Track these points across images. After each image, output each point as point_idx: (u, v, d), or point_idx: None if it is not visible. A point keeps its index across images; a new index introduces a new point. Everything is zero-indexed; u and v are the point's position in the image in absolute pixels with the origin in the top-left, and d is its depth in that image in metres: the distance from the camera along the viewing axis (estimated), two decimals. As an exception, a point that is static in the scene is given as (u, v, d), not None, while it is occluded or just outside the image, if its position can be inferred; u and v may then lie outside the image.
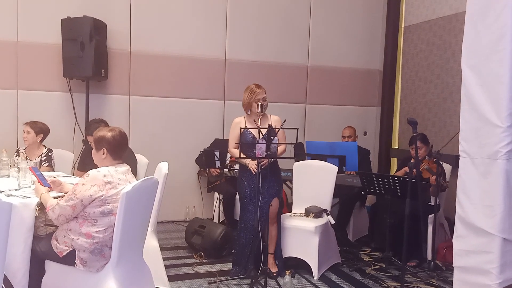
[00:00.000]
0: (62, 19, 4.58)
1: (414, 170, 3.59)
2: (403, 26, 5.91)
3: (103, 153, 2.53)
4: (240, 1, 5.49)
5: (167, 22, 5.23)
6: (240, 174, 3.71)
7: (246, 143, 3.55)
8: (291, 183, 4.27)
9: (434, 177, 3.91)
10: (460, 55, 2.89)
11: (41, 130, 4.01)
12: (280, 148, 3.61)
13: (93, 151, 2.59)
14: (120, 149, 2.57)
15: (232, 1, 5.46)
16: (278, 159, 3.64)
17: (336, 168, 3.97)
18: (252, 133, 3.56)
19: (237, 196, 4.76)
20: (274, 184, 3.61)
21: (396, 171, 4.56)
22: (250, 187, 3.56)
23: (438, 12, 5.33)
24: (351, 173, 4.48)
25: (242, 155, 3.52)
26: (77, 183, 2.46)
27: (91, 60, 4.48)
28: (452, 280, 2.95)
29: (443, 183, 3.99)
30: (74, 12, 4.60)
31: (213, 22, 5.41)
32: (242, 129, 3.56)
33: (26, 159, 3.52)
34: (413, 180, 3.52)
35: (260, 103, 3.47)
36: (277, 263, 3.68)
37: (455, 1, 5.09)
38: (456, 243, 2.89)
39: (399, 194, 3.77)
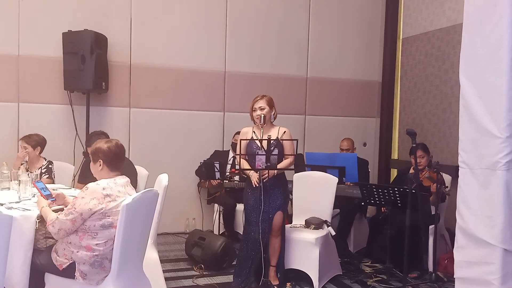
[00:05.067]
0: (63, 33, 4.62)
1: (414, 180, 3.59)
2: (401, 37, 5.95)
3: (100, 165, 2.54)
4: (239, 14, 5.54)
5: (167, 35, 5.27)
6: (246, 185, 3.70)
7: (251, 154, 3.56)
8: (291, 194, 4.27)
9: (435, 185, 3.92)
10: (458, 66, 2.91)
11: (38, 142, 4.03)
12: (286, 161, 3.59)
13: (91, 163, 2.61)
14: (116, 160, 2.57)
15: (231, 14, 5.51)
16: (284, 172, 3.63)
17: (336, 179, 3.97)
18: (257, 144, 3.56)
19: (237, 207, 4.77)
20: (278, 197, 3.57)
21: (393, 181, 4.56)
22: (254, 198, 3.54)
23: (436, 24, 5.37)
24: (350, 184, 4.48)
25: (246, 166, 3.52)
26: (76, 197, 2.46)
27: (92, 73, 4.51)
28: (454, 292, 2.94)
29: (444, 191, 3.99)
30: (75, 26, 4.65)
31: (213, 34, 5.45)
32: (243, 140, 3.58)
33: (27, 171, 3.53)
34: (413, 191, 3.52)
35: (257, 114, 3.49)
36: (278, 275, 3.66)
37: (452, 12, 5.14)
38: (457, 254, 2.89)
39: (399, 205, 3.77)
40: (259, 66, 5.63)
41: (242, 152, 3.58)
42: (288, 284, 3.37)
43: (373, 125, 6.24)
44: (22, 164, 4.01)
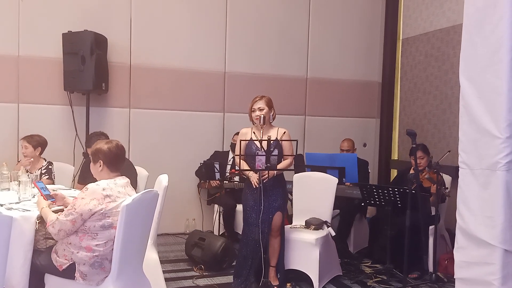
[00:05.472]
0: (63, 33, 4.62)
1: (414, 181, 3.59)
2: (401, 38, 5.96)
3: (100, 166, 2.54)
4: (239, 15, 5.55)
5: (167, 35, 5.27)
6: (245, 185, 3.69)
7: (250, 155, 3.55)
8: (291, 195, 4.27)
9: (435, 186, 3.92)
10: (458, 67, 2.91)
11: (39, 143, 4.03)
12: (286, 162, 3.58)
13: (91, 164, 2.61)
14: (116, 161, 2.57)
15: (231, 15, 5.51)
16: (283, 172, 3.62)
17: (336, 180, 3.97)
18: (256, 145, 3.56)
19: (237, 208, 4.77)
20: (278, 198, 3.57)
21: (393, 181, 4.56)
22: (253, 199, 3.53)
23: (436, 24, 5.38)
24: (350, 184, 4.48)
25: (245, 167, 3.52)
26: (76, 197, 2.46)
27: (92, 73, 4.51)
28: (454, 292, 2.94)
29: (444, 192, 3.99)
30: (75, 26, 4.65)
31: (213, 35, 5.45)
32: (242, 141, 3.58)
33: (27, 172, 3.53)
34: (413, 191, 3.52)
35: (256, 114, 3.48)
36: (278, 276, 3.66)
37: (452, 13, 5.14)
38: (457, 254, 2.89)
39: (399, 205, 3.77)
40: (259, 67, 5.63)
41: (241, 153, 3.58)
42: (288, 284, 3.37)
43: (373, 126, 6.24)
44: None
